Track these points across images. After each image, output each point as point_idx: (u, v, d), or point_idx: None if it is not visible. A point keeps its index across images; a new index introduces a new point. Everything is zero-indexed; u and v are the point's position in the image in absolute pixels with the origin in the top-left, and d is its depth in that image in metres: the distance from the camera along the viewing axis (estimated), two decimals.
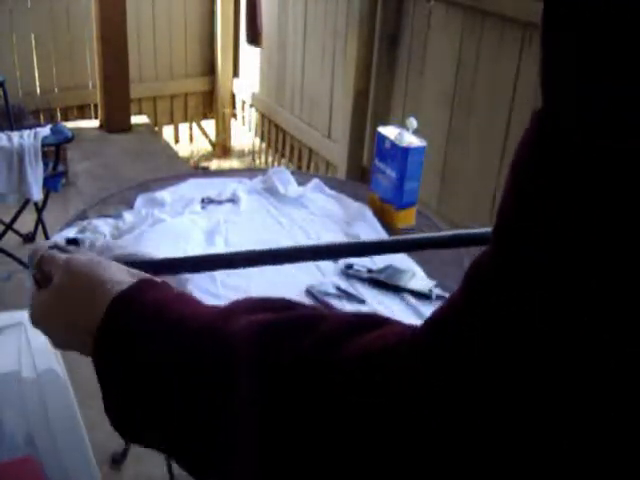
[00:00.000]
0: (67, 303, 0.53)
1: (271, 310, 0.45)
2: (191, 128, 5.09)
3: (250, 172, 1.88)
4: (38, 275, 0.58)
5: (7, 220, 2.85)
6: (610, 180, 0.29)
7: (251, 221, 1.56)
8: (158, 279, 0.54)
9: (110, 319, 0.49)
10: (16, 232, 2.96)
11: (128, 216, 1.49)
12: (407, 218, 1.57)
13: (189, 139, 5.13)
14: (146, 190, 1.65)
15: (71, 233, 1.41)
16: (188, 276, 1.29)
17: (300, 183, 1.71)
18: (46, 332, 0.57)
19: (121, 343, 0.48)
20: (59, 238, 0.59)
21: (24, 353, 0.97)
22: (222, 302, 1.36)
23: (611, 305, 0.29)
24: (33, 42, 4.26)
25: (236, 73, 4.80)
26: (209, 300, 1.37)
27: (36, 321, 0.57)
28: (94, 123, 4.51)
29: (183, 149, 5.02)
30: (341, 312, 0.46)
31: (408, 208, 1.57)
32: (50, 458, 0.81)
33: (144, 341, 0.47)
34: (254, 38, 4.10)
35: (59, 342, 0.57)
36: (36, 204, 2.79)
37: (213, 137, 5.15)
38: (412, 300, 1.26)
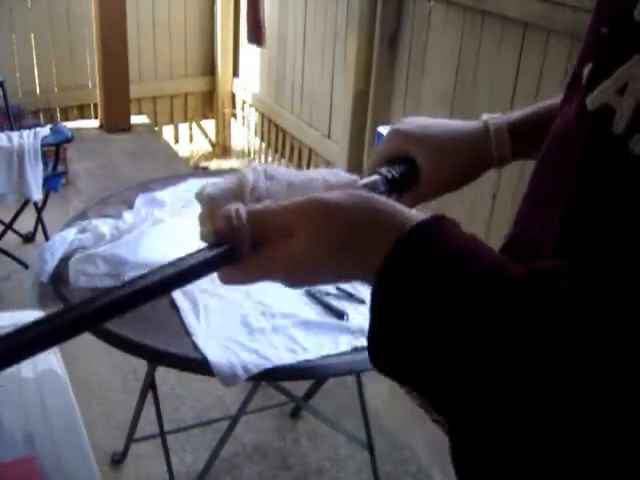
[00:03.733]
0: (346, 242, 0.49)
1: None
2: (191, 128, 5.09)
3: None
4: (259, 238, 0.50)
5: (7, 220, 2.85)
6: None
7: None
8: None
9: (411, 244, 0.46)
10: (16, 232, 2.96)
11: (128, 216, 1.49)
12: None
13: (189, 139, 5.13)
14: (146, 190, 1.65)
15: (71, 233, 1.41)
16: None
17: None
18: (310, 278, 0.53)
19: (417, 272, 0.45)
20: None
21: None
22: (223, 301, 1.35)
23: None
24: (33, 42, 4.25)
25: (236, 73, 4.80)
26: (209, 299, 1.35)
27: (296, 271, 0.51)
28: (94, 123, 4.51)
29: (183, 149, 5.03)
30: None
31: None
32: (50, 458, 0.81)
33: (440, 276, 0.45)
34: (257, 38, 4.09)
35: (328, 279, 0.53)
36: (36, 204, 2.79)
37: (213, 137, 5.15)
38: None
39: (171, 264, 0.48)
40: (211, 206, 0.57)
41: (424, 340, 0.45)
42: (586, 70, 0.40)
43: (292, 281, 0.52)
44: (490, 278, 0.43)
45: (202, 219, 0.57)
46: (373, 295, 0.48)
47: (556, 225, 0.41)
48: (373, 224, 0.49)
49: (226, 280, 0.52)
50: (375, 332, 0.48)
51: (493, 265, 0.44)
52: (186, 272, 0.48)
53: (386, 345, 0.48)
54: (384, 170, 0.72)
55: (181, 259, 0.49)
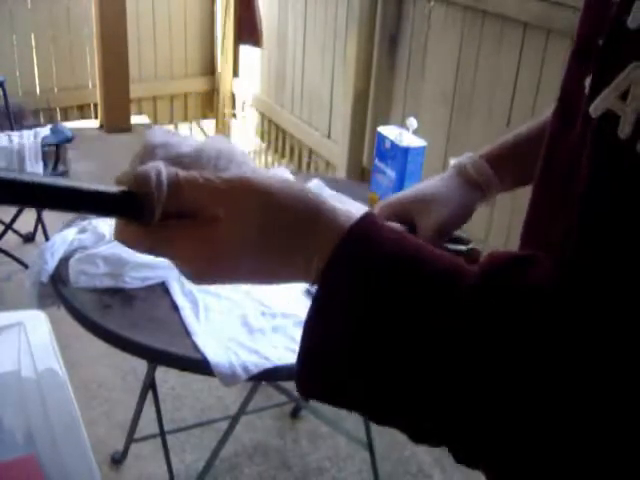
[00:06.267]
0: (271, 235, 0.46)
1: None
2: (191, 128, 5.09)
3: None
4: (173, 208, 0.45)
5: (7, 220, 2.85)
6: None
7: None
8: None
9: (350, 246, 0.45)
10: (16, 232, 2.96)
11: None
12: None
13: None
14: None
15: (71, 233, 1.41)
16: None
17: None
18: (230, 275, 0.47)
19: (358, 277, 0.44)
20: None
21: (24, 353, 0.97)
22: (223, 301, 1.35)
23: None
24: (33, 42, 4.26)
25: (236, 73, 4.80)
26: (209, 299, 1.35)
27: (211, 266, 0.46)
28: (94, 123, 4.51)
29: None
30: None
31: None
32: (50, 458, 0.81)
33: (382, 278, 0.43)
34: (253, 38, 4.09)
35: (250, 278, 0.49)
36: None
37: None
38: None
39: (67, 180, 0.44)
40: (147, 153, 0.49)
41: (378, 348, 0.43)
42: (587, 81, 0.42)
43: (199, 272, 0.47)
44: (442, 280, 0.43)
45: (132, 161, 0.48)
46: (316, 299, 0.45)
47: (564, 229, 0.43)
48: (312, 221, 0.46)
49: (122, 237, 0.46)
50: (320, 342, 0.45)
51: (446, 267, 0.44)
52: (76, 193, 0.44)
53: (331, 357, 0.45)
54: None
55: (80, 183, 0.44)
